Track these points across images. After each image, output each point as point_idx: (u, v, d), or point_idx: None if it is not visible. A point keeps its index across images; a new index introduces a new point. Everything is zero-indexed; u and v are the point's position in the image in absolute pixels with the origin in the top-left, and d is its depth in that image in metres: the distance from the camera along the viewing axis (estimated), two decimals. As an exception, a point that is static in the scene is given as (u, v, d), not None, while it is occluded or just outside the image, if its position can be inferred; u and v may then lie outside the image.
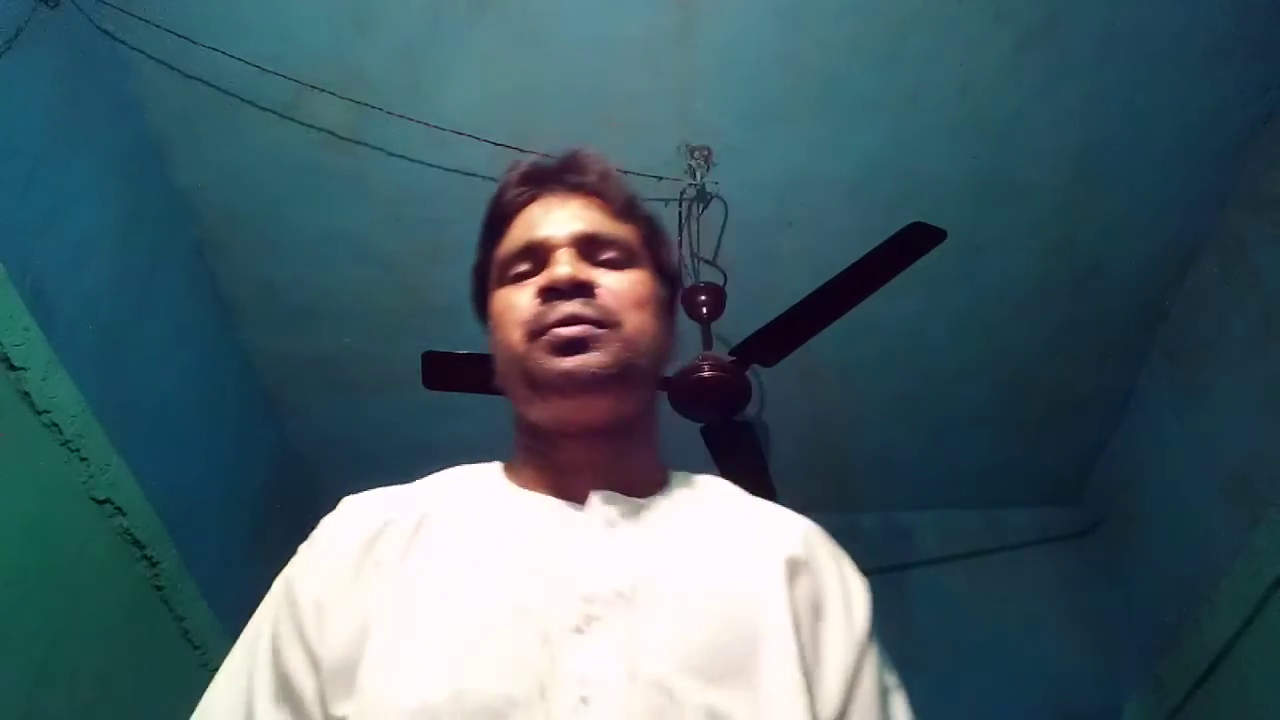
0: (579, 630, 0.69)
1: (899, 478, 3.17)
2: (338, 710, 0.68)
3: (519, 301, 0.83)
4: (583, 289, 0.81)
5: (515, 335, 0.82)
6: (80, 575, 1.89)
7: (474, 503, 0.81)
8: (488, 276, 0.91)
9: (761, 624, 0.71)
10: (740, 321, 2.20)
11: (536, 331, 0.80)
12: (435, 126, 2.21)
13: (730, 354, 2.13)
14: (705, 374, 2.07)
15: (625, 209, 0.91)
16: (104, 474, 1.96)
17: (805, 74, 2.21)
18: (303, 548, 0.80)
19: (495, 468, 0.88)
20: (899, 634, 3.38)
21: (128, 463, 2.04)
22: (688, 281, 2.32)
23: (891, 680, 0.79)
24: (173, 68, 2.13)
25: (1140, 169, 2.37)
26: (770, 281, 2.48)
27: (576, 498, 0.80)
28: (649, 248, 0.90)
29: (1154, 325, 2.71)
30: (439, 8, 2.08)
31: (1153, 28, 2.12)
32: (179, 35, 2.05)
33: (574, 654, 0.67)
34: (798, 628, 0.72)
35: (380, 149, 2.30)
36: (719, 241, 2.41)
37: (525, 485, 0.83)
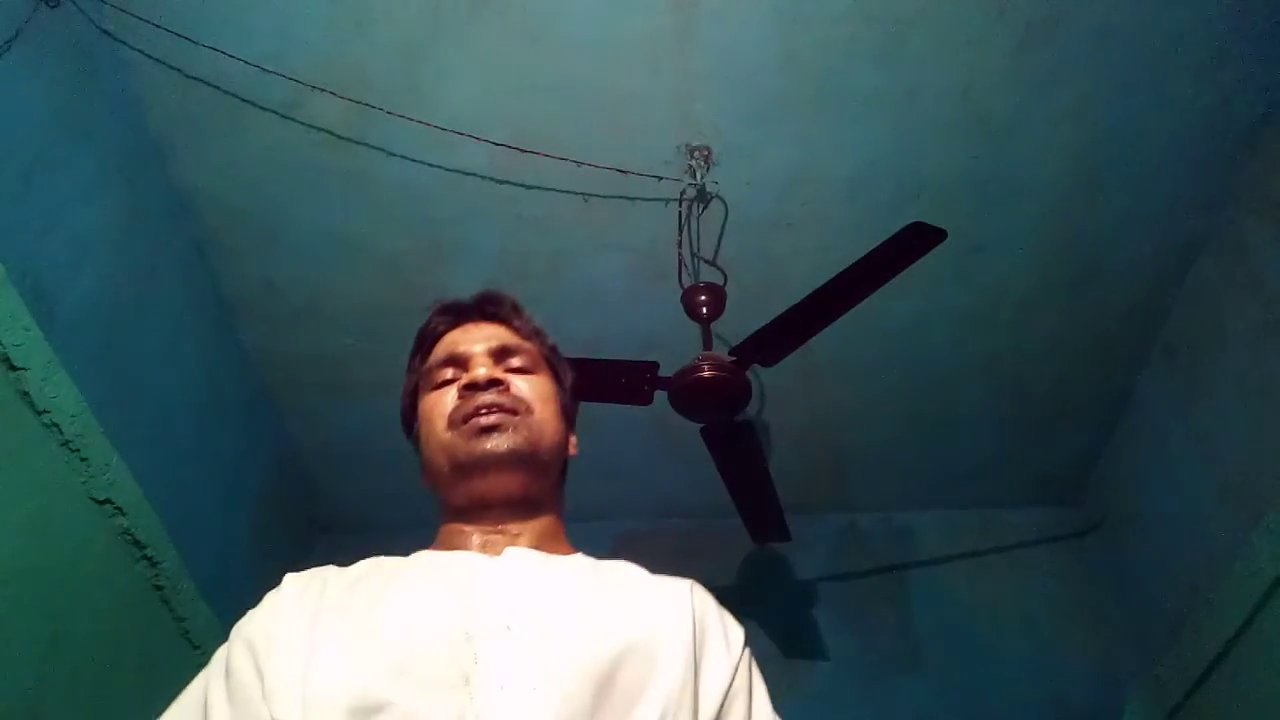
0: (498, 636, 0.78)
1: (899, 478, 3.17)
2: (279, 710, 0.74)
3: (443, 401, 0.99)
4: (496, 383, 0.97)
5: (440, 426, 0.97)
6: (80, 575, 1.89)
7: (404, 562, 0.91)
8: (416, 391, 1.06)
9: (659, 642, 0.81)
10: (740, 321, 2.20)
11: (458, 420, 0.95)
12: (435, 126, 2.21)
13: (730, 354, 2.13)
14: (705, 374, 2.08)
15: (530, 333, 1.09)
16: (104, 474, 1.96)
17: (805, 74, 2.21)
18: (248, 613, 0.90)
19: (420, 552, 0.97)
20: (899, 634, 3.40)
21: (128, 463, 2.04)
22: (687, 281, 2.32)
23: (761, 695, 0.88)
24: (173, 68, 2.13)
25: (1140, 169, 2.38)
26: (770, 281, 2.49)
27: (493, 554, 0.90)
28: (549, 364, 1.08)
29: (1154, 325, 2.71)
30: (439, 8, 2.08)
31: (1153, 28, 2.12)
32: (179, 35, 2.05)
33: (494, 654, 0.76)
34: (688, 650, 0.82)
35: (380, 149, 2.30)
36: (719, 241, 2.41)
37: (448, 549, 0.94)
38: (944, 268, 2.35)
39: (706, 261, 2.35)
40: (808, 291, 2.02)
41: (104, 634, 1.95)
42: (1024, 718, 2.81)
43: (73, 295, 1.96)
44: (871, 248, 1.97)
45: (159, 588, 2.14)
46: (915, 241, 1.95)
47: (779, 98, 2.25)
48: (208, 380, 2.53)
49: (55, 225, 1.92)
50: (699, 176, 2.32)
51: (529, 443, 0.94)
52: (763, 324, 2.08)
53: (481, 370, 0.99)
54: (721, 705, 0.82)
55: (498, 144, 2.25)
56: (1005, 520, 3.21)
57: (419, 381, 1.07)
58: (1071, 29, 2.13)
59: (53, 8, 1.92)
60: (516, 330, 1.08)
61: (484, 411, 0.94)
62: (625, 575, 0.92)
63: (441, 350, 1.06)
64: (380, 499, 3.14)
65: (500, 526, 0.93)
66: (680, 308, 2.27)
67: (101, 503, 1.96)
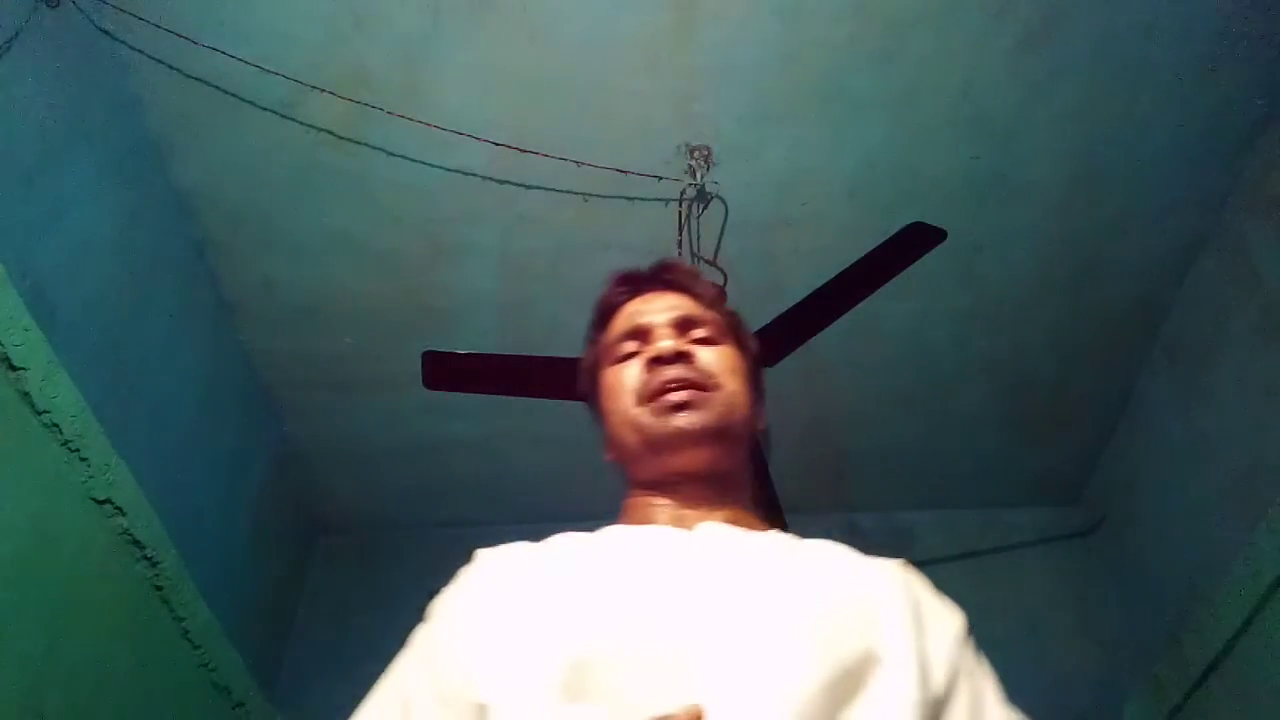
0: (706, 612, 0.74)
1: (899, 478, 3.17)
2: (486, 692, 0.71)
3: (628, 375, 0.96)
4: (683, 356, 0.94)
5: (628, 401, 0.94)
6: (80, 575, 1.89)
7: (595, 537, 0.88)
8: (597, 364, 1.03)
9: (878, 618, 0.77)
10: (740, 321, 2.20)
11: (646, 396, 0.92)
12: (435, 126, 2.21)
13: (730, 354, 2.13)
14: (705, 374, 2.07)
15: (712, 301, 1.05)
16: (104, 474, 1.96)
17: (805, 74, 2.21)
18: (444, 592, 0.86)
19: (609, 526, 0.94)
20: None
21: (128, 463, 2.04)
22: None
23: (985, 674, 0.83)
24: (173, 68, 2.13)
25: (1140, 169, 2.37)
26: (770, 281, 2.49)
27: (685, 529, 0.87)
28: (734, 332, 1.04)
29: (1154, 325, 2.71)
30: (439, 8, 2.08)
31: (1153, 28, 2.12)
32: (179, 35, 2.05)
33: (708, 631, 0.72)
34: (908, 627, 0.77)
35: (380, 149, 2.30)
36: (719, 241, 2.41)
37: (639, 524, 0.91)
38: (944, 268, 2.35)
39: (706, 261, 2.35)
40: (808, 291, 2.02)
41: (104, 634, 1.95)
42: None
43: (73, 295, 1.96)
44: (871, 248, 1.97)
45: (159, 588, 2.14)
46: (915, 241, 1.95)
47: (779, 98, 2.25)
48: (207, 380, 2.53)
49: (55, 225, 1.92)
50: (699, 176, 2.32)
51: (720, 418, 0.91)
52: (763, 324, 2.08)
53: (666, 343, 0.95)
54: (948, 685, 0.76)
55: (498, 144, 2.25)
56: (1005, 520, 3.21)
57: (599, 355, 1.03)
58: (1071, 29, 2.13)
59: (53, 8, 1.92)
60: (698, 298, 1.04)
61: (673, 387, 0.91)
62: (829, 552, 0.87)
63: (622, 322, 1.02)
64: (380, 499, 3.15)
65: (691, 501, 0.90)
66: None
67: (101, 503, 1.96)
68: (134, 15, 2.03)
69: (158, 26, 2.04)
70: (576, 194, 2.38)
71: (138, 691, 2.02)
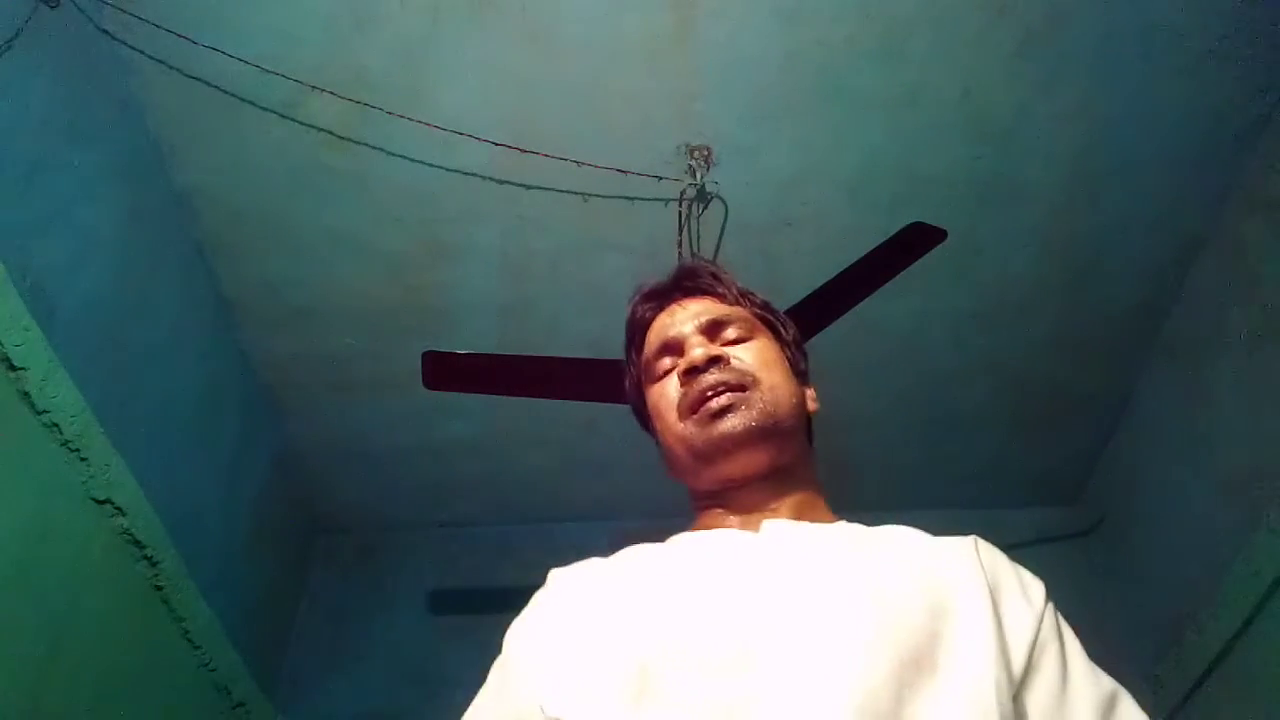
0: (773, 612, 0.74)
1: (899, 478, 3.17)
2: (555, 705, 0.72)
3: (668, 390, 0.97)
4: (717, 361, 0.93)
5: (671, 417, 0.94)
6: (80, 575, 1.89)
7: (664, 547, 0.88)
8: (640, 386, 1.04)
9: (954, 603, 0.76)
10: (740, 321, 2.20)
11: (688, 408, 0.92)
12: (435, 126, 2.21)
13: (730, 354, 2.13)
14: (705, 374, 2.07)
15: (737, 297, 1.05)
16: (104, 474, 1.96)
17: (805, 74, 2.21)
18: (521, 615, 0.86)
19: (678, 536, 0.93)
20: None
21: (128, 463, 2.04)
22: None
23: (1073, 643, 0.81)
24: (173, 68, 2.13)
25: (1140, 169, 2.37)
26: (770, 281, 2.47)
27: (753, 530, 0.86)
28: (765, 322, 1.05)
29: (1154, 325, 2.71)
30: (439, 8, 2.08)
31: (1153, 28, 2.12)
32: (179, 35, 2.05)
33: (774, 631, 0.72)
34: (987, 606, 0.76)
35: (380, 149, 2.30)
36: (719, 241, 2.41)
37: (706, 528, 0.91)
38: (944, 268, 2.35)
39: (707, 261, 2.35)
40: (808, 291, 2.02)
41: (104, 634, 1.95)
42: (1024, 718, 2.80)
43: (73, 295, 1.96)
44: (871, 248, 1.97)
45: (159, 588, 2.14)
46: (915, 241, 1.95)
47: (779, 98, 2.25)
48: (207, 380, 2.53)
49: (55, 225, 1.92)
50: (699, 176, 2.32)
51: (765, 415, 0.90)
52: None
53: (698, 351, 0.94)
54: (1029, 658, 0.75)
55: (498, 144, 2.25)
56: (1005, 520, 3.20)
57: (640, 375, 1.04)
58: (1071, 29, 2.13)
59: (53, 8, 1.92)
60: (722, 298, 1.04)
61: (711, 394, 0.90)
62: (901, 537, 0.87)
63: (654, 338, 1.03)
64: (380, 499, 3.15)
65: (755, 502, 0.90)
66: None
67: (101, 503, 1.96)
68: (134, 15, 2.03)
69: (158, 26, 2.04)
70: (576, 194, 2.38)
71: (138, 691, 2.02)
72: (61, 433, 1.83)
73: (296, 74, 2.13)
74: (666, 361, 0.99)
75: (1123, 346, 2.77)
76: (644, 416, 1.05)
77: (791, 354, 1.03)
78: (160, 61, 2.12)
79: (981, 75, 2.21)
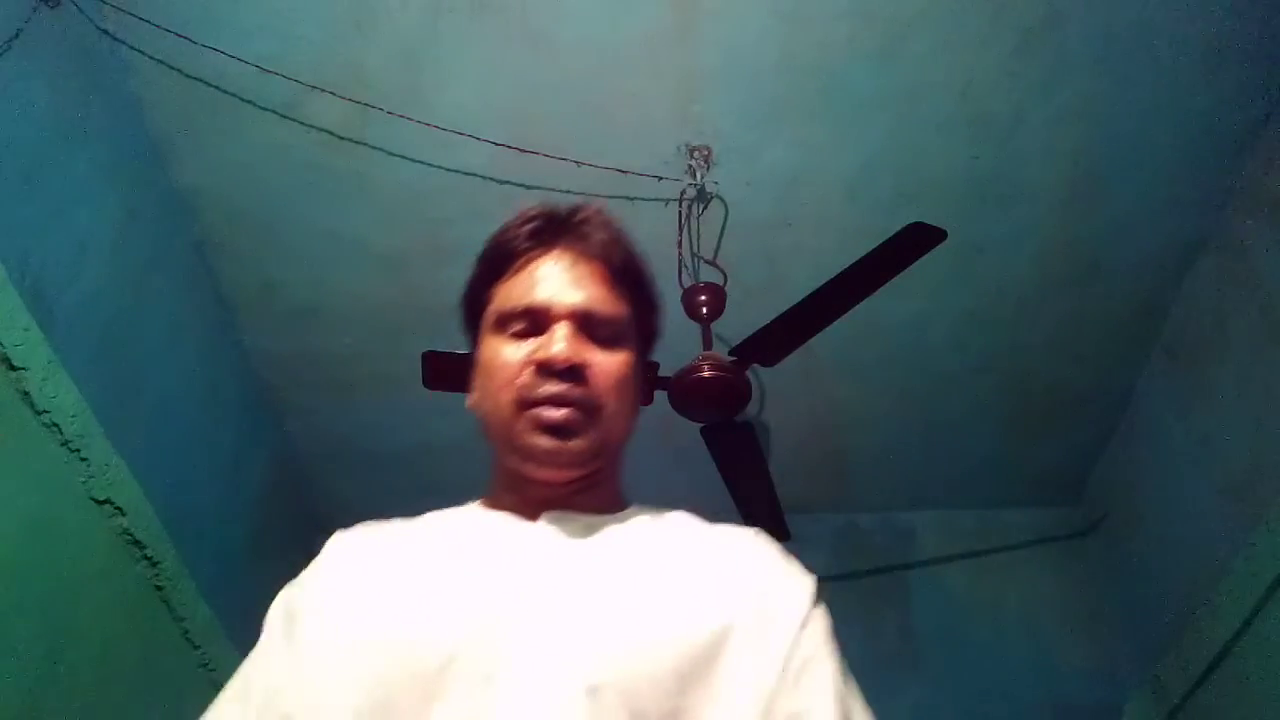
0: (525, 622, 0.74)
1: (899, 478, 3.17)
2: (290, 705, 0.74)
3: (511, 360, 0.87)
4: (574, 371, 0.85)
5: (504, 399, 0.86)
6: (80, 575, 1.89)
7: (443, 525, 0.90)
8: (481, 309, 0.93)
9: (717, 600, 0.77)
10: (740, 321, 2.20)
11: (525, 403, 0.85)
12: (435, 126, 2.21)
13: (730, 354, 2.13)
14: (705, 374, 2.07)
15: (624, 276, 0.93)
16: (104, 474, 1.95)
17: (805, 74, 2.21)
18: (296, 581, 0.88)
19: (473, 504, 0.95)
20: (899, 634, 3.40)
21: (128, 463, 2.04)
22: (688, 281, 2.32)
23: (829, 660, 0.79)
24: (173, 68, 2.13)
25: (1140, 169, 2.37)
26: (770, 281, 2.49)
27: (532, 519, 0.86)
28: (639, 320, 0.94)
29: (1154, 325, 2.70)
30: (439, 8, 2.08)
31: (1153, 28, 2.12)
32: (179, 35, 2.05)
33: (520, 644, 0.72)
34: (733, 630, 0.75)
35: (381, 149, 2.30)
36: (719, 241, 2.41)
37: (492, 509, 0.91)
38: (944, 268, 2.35)
39: (706, 261, 2.35)
40: (808, 291, 2.02)
41: (104, 634, 1.95)
42: (1024, 718, 2.80)
43: (73, 295, 1.95)
44: (871, 248, 1.97)
45: (159, 588, 2.14)
46: (915, 241, 1.95)
47: (779, 98, 2.25)
48: (207, 380, 2.53)
49: (55, 225, 1.92)
50: (699, 176, 2.32)
51: (594, 446, 0.86)
52: (763, 324, 2.08)
53: (560, 348, 0.84)
54: (784, 666, 0.74)
55: (498, 144, 2.25)
56: (1005, 520, 3.21)
57: (483, 308, 0.93)
58: (1071, 29, 2.13)
59: (53, 8, 1.92)
60: (611, 281, 0.91)
61: (552, 405, 0.84)
62: (676, 538, 0.86)
63: (520, 290, 0.89)
64: (380, 499, 3.14)
65: (547, 494, 0.87)
66: (680, 308, 2.27)
67: (101, 503, 1.96)
68: (134, 15, 2.03)
69: (158, 26, 2.04)
70: (577, 194, 2.38)
71: (138, 691, 2.02)
72: (61, 433, 1.83)
73: (296, 74, 2.13)
74: (521, 325, 0.88)
75: (1123, 346, 2.77)
76: (471, 341, 0.96)
77: (641, 368, 0.95)
78: (160, 61, 2.12)
79: (981, 75, 2.21)
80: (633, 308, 0.93)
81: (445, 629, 0.73)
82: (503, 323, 0.89)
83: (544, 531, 0.84)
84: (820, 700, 0.74)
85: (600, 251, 0.92)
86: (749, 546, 0.85)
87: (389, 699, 0.70)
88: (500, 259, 0.93)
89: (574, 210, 0.94)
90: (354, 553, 0.86)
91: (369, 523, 0.91)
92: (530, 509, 0.87)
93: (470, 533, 0.87)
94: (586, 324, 0.88)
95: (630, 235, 0.96)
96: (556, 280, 0.89)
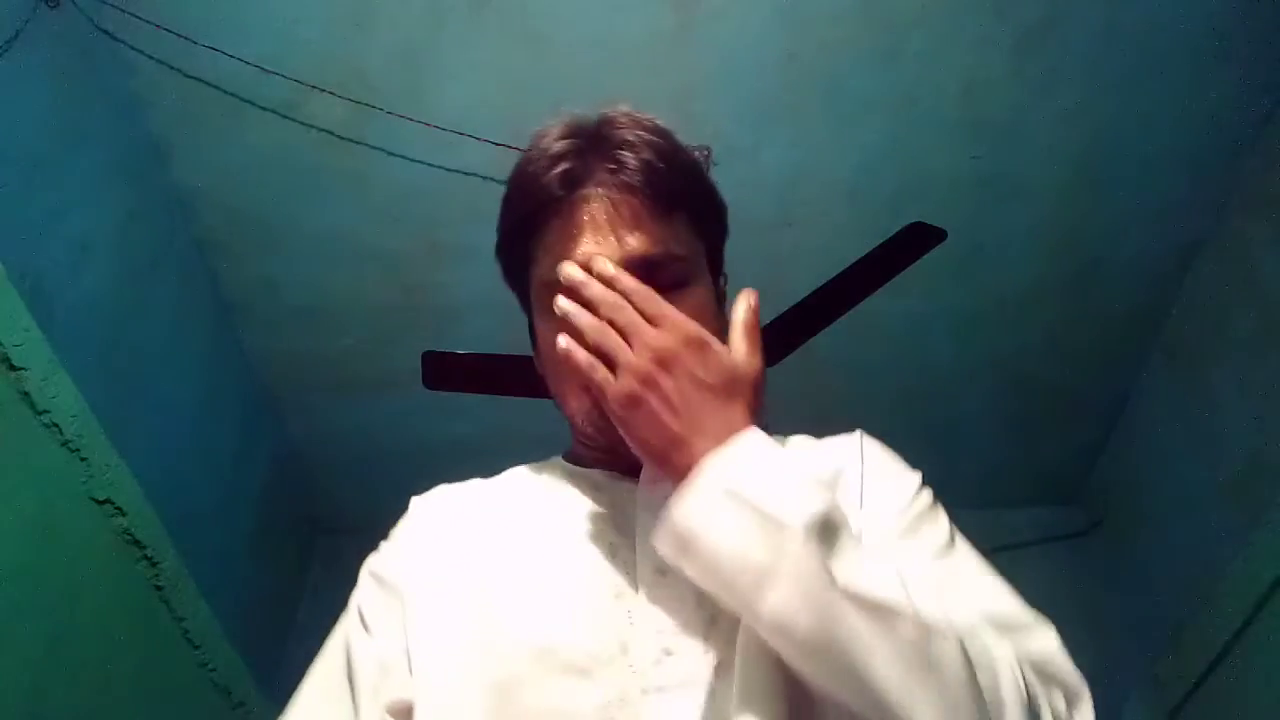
0: (650, 585, 0.68)
1: (899, 478, 3.17)
2: (402, 693, 0.70)
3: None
4: None
5: (576, 406, 0.79)
6: (80, 575, 1.89)
7: (535, 486, 0.83)
8: (522, 265, 0.82)
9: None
10: (740, 321, 2.20)
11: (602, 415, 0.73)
12: (435, 126, 2.21)
13: (730, 354, 2.13)
14: (705, 374, 2.07)
15: (675, 199, 0.80)
16: (104, 474, 1.95)
17: (805, 74, 2.21)
18: (382, 544, 0.84)
19: (555, 459, 0.89)
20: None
21: (128, 463, 2.04)
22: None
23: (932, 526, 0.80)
24: (173, 68, 2.13)
25: (1140, 169, 2.37)
26: (770, 281, 2.48)
27: (631, 472, 0.77)
28: (704, 237, 0.85)
29: (1154, 326, 2.71)
30: (439, 8, 2.08)
31: (1153, 28, 2.12)
32: (179, 35, 2.05)
33: (649, 608, 0.67)
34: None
35: (380, 149, 2.30)
36: (719, 241, 2.41)
37: (582, 464, 0.84)
38: (944, 268, 2.35)
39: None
40: (808, 291, 2.02)
41: (104, 634, 1.95)
42: (1024, 718, 2.80)
43: (73, 295, 1.95)
44: (871, 248, 1.97)
45: (159, 588, 2.14)
46: (915, 241, 1.95)
47: (779, 98, 2.25)
48: (208, 380, 2.53)
49: (55, 225, 1.92)
50: (699, 176, 2.32)
51: None
52: (763, 324, 2.07)
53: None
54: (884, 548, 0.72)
55: (498, 144, 2.25)
56: (1005, 520, 3.20)
57: (525, 265, 0.81)
58: (1071, 29, 2.13)
59: (53, 8, 1.92)
60: (661, 210, 0.78)
61: None
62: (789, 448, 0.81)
63: (559, 247, 0.76)
64: (380, 499, 3.14)
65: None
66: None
67: (101, 503, 1.96)
68: (134, 15, 2.03)
69: (158, 26, 2.04)
70: (576, 194, 2.38)
71: (138, 691, 2.01)
72: (61, 433, 1.83)
73: (296, 74, 2.13)
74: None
75: (1123, 347, 2.77)
76: (515, 288, 0.86)
77: (718, 281, 0.86)
78: (160, 61, 2.12)
79: (981, 75, 2.21)
80: (692, 227, 0.82)
81: (571, 603, 0.69)
82: (542, 297, 0.77)
83: (650, 493, 0.74)
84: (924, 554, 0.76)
85: (643, 177, 0.77)
86: (861, 448, 0.87)
87: (518, 674, 0.66)
88: (532, 211, 0.80)
89: (601, 126, 0.82)
90: (447, 520, 0.80)
91: (445, 486, 0.85)
92: (626, 463, 0.76)
93: (571, 495, 0.79)
94: (644, 272, 0.73)
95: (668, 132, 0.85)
96: (597, 236, 0.75)
